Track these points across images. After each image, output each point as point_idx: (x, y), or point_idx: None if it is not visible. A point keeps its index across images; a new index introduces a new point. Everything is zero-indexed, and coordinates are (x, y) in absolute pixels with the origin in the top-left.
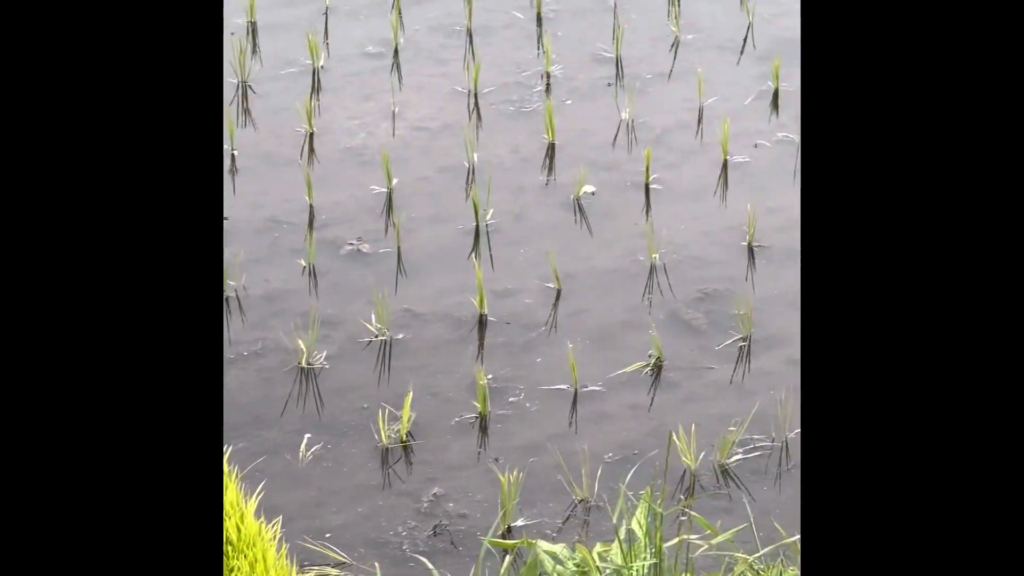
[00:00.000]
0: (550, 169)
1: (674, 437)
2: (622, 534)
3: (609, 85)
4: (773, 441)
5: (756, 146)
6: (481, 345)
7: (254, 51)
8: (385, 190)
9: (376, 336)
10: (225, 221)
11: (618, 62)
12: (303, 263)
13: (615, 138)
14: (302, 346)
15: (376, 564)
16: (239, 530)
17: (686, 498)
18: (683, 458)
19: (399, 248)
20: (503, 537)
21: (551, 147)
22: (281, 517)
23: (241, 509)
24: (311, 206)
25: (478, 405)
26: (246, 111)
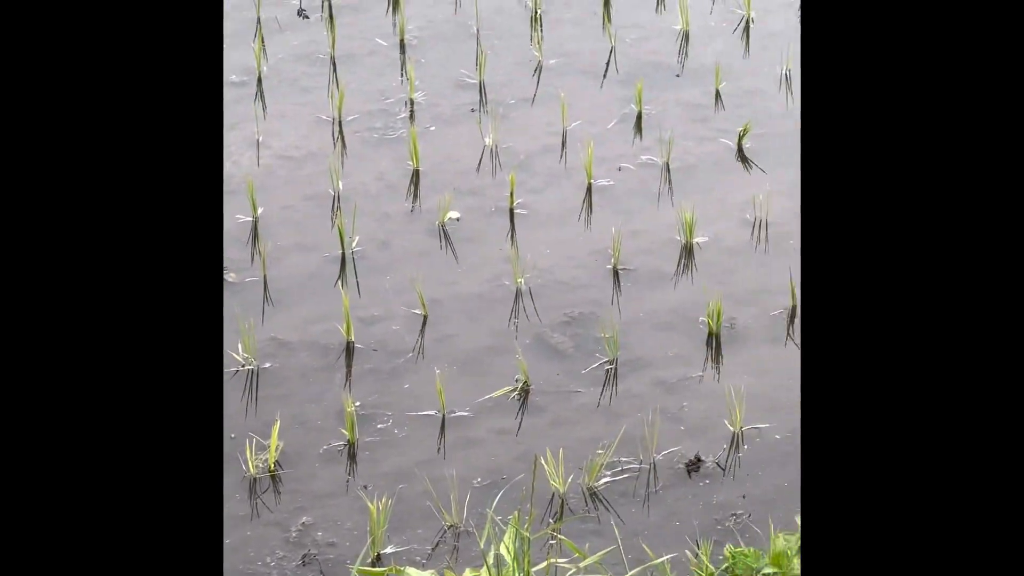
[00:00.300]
0: (415, 196)
1: (542, 461)
2: (490, 559)
3: (473, 111)
4: (641, 463)
5: (620, 169)
6: (348, 372)
7: None
8: (250, 219)
9: (243, 365)
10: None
11: (481, 88)
12: None
13: (479, 164)
14: None
15: None
16: None
17: (555, 522)
18: (551, 482)
19: (265, 277)
20: (372, 565)
21: (416, 174)
22: None
23: None
24: None
25: (346, 433)
26: None
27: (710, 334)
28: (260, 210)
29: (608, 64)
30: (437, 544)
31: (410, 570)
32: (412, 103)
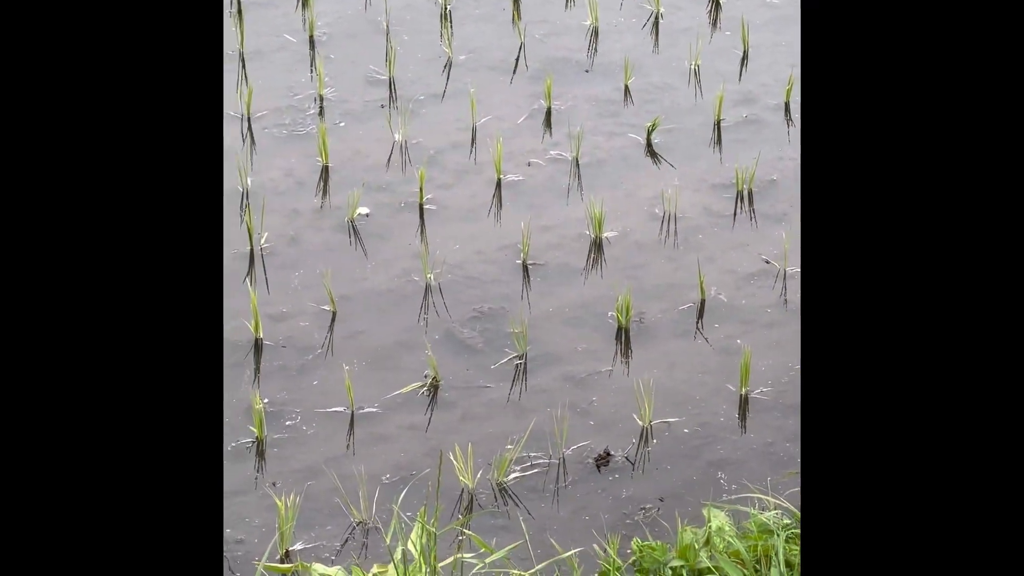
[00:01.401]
0: (324, 192)
1: (451, 456)
2: (398, 555)
3: (382, 107)
4: (550, 458)
5: (529, 164)
6: (257, 369)
7: None
8: None
9: None
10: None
11: (391, 84)
12: None
13: (389, 159)
14: None
15: None
16: None
17: (463, 517)
18: (461, 477)
19: None
20: (281, 561)
21: (325, 170)
22: None
23: None
24: None
25: (255, 429)
26: None
27: (619, 329)
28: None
29: (517, 60)
30: (346, 540)
31: (317, 566)
32: (322, 99)
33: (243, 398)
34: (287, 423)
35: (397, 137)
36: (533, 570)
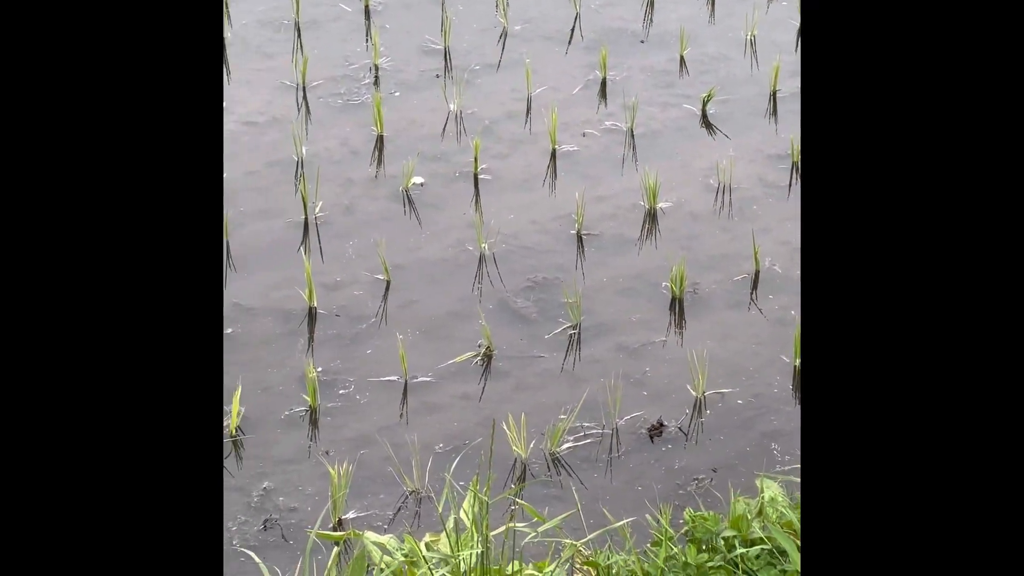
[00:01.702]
0: (379, 161)
1: (504, 426)
2: (450, 524)
3: (437, 76)
4: (603, 428)
5: (584, 135)
6: (311, 338)
7: None
8: None
9: None
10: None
11: (446, 53)
12: None
13: (444, 129)
14: None
15: None
16: None
17: (515, 486)
18: (513, 447)
19: (227, 242)
20: (333, 530)
21: (380, 139)
22: None
23: None
24: None
25: (308, 398)
26: None
27: (673, 299)
28: (223, 175)
29: (573, 30)
30: (398, 509)
31: (370, 534)
32: (376, 69)
33: (297, 367)
34: (340, 392)
35: (452, 107)
36: (585, 539)
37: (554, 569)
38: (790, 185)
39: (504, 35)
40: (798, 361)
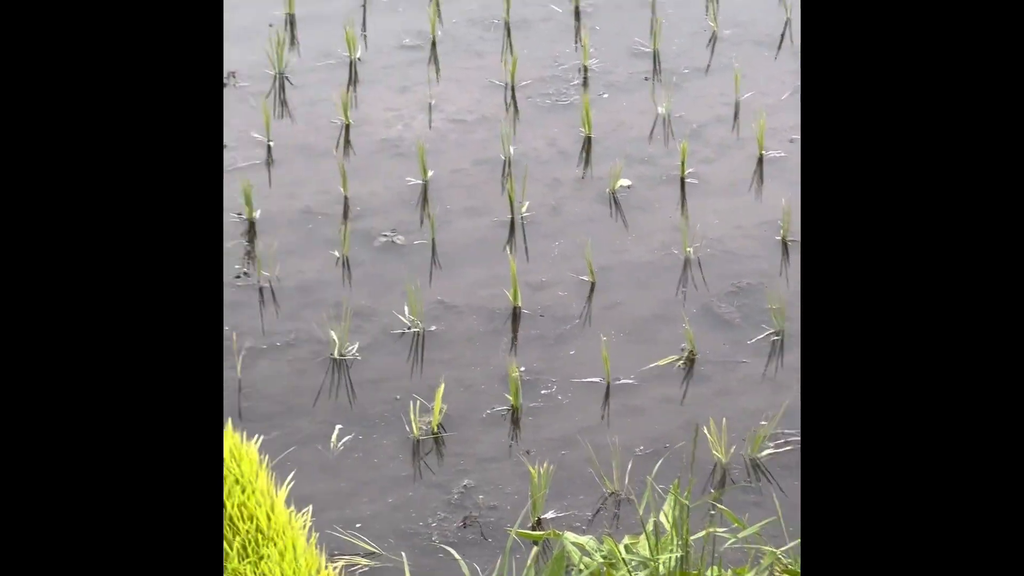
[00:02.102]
0: (586, 162)
1: (704, 430)
2: (649, 527)
3: (646, 79)
4: None
5: (792, 141)
6: (514, 337)
7: (292, 43)
8: (420, 182)
9: (409, 328)
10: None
11: (655, 56)
12: (337, 254)
13: (651, 132)
14: (335, 337)
15: (403, 554)
16: (269, 518)
17: (715, 491)
18: (714, 451)
19: (433, 240)
20: (532, 529)
21: (587, 140)
22: (311, 506)
23: (272, 498)
24: (346, 197)
25: (510, 398)
26: (283, 102)
27: None
28: (430, 173)
29: (783, 35)
30: (598, 510)
31: (569, 535)
32: (585, 70)
33: (500, 366)
34: (543, 392)
35: (660, 110)
36: (785, 547)
37: None
38: None
39: (714, 39)
40: None
